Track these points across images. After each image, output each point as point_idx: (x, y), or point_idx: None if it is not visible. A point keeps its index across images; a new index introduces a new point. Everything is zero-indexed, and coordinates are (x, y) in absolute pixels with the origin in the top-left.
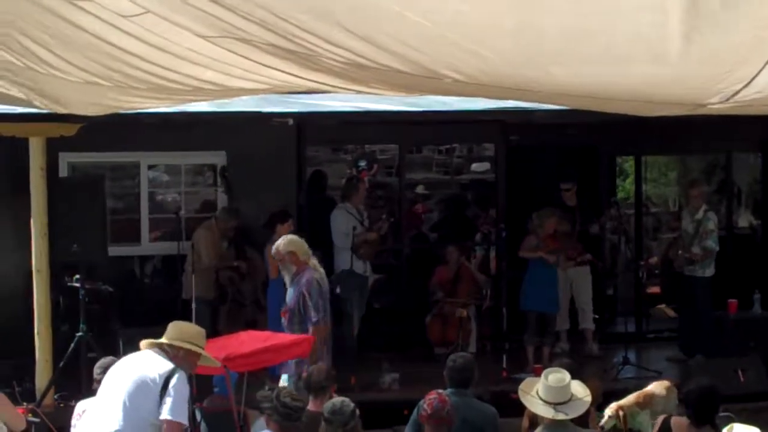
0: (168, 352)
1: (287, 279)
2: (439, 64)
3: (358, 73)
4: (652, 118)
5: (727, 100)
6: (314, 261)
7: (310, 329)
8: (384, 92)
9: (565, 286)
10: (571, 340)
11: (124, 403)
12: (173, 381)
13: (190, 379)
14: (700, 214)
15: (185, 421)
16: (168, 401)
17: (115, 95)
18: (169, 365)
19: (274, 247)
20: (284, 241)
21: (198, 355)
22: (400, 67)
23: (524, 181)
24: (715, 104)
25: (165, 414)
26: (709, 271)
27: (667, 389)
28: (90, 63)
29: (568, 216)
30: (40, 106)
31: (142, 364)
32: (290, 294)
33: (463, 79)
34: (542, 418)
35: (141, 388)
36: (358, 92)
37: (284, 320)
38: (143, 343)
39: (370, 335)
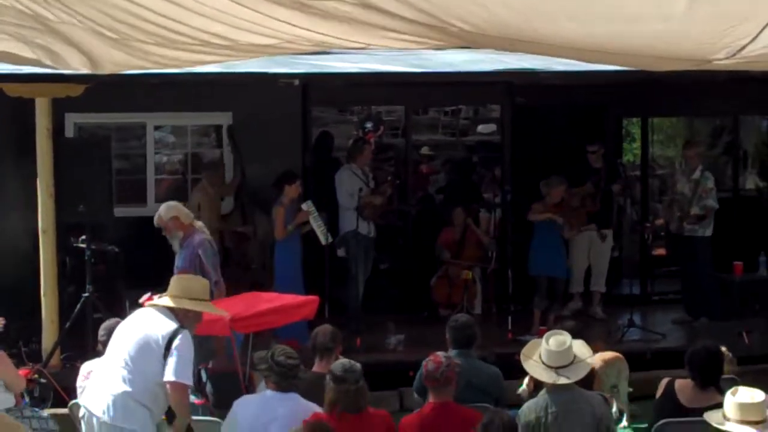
0: (171, 309)
1: (176, 245)
2: (448, 13)
3: (364, 18)
4: (660, 78)
5: (734, 55)
6: (200, 223)
7: (214, 290)
8: (389, 44)
9: (583, 250)
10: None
11: (129, 365)
12: (176, 342)
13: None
14: (697, 174)
15: (189, 382)
16: (171, 362)
17: (122, 49)
18: (172, 325)
19: (156, 217)
20: (164, 209)
21: (200, 314)
22: (407, 14)
23: (530, 143)
24: (722, 60)
25: (169, 375)
26: (709, 231)
27: (606, 362)
28: (96, 13)
29: (594, 177)
30: (48, 64)
31: (146, 324)
32: (181, 258)
33: (470, 29)
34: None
35: (145, 349)
36: (365, 47)
37: None
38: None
39: (375, 297)
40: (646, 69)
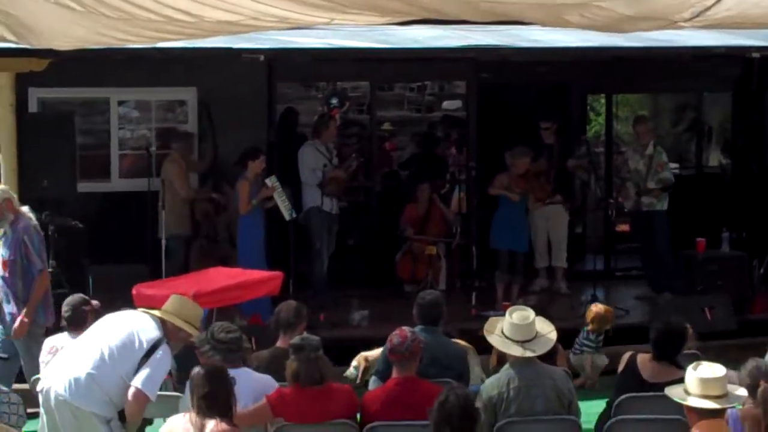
0: (164, 322)
1: (6, 228)
2: None
3: None
4: (624, 56)
5: (698, 15)
6: (25, 208)
7: (36, 278)
8: (355, 18)
9: (540, 223)
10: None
11: (104, 354)
12: (158, 353)
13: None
14: (650, 149)
15: (153, 397)
16: (146, 371)
17: (85, 23)
18: (158, 334)
19: None
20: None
21: (189, 335)
22: None
23: (495, 119)
24: (687, 19)
25: (138, 382)
26: (666, 205)
27: None
28: None
29: (546, 153)
30: (11, 39)
31: (134, 324)
32: (8, 243)
33: None
34: (509, 355)
35: (126, 345)
36: (328, 22)
37: (3, 272)
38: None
39: (339, 272)
40: (610, 31)
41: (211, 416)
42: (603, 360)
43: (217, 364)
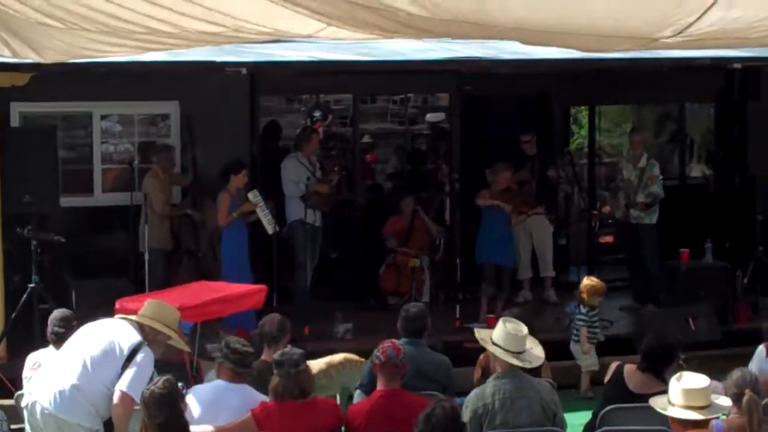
0: (142, 327)
1: None
2: None
3: (314, 7)
4: (607, 67)
5: (680, 33)
6: None
7: None
8: (336, 34)
9: (525, 236)
10: (531, 287)
11: (86, 364)
12: (139, 356)
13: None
14: (642, 162)
15: (137, 399)
16: (129, 373)
17: (67, 39)
18: (137, 338)
19: None
20: None
21: (168, 338)
22: None
23: (479, 131)
24: (669, 38)
25: (122, 385)
26: (655, 218)
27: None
28: (43, 4)
29: (528, 165)
30: None
31: (113, 331)
32: None
33: (419, 13)
34: (499, 366)
35: (107, 353)
36: (309, 36)
37: None
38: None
39: (323, 285)
40: (592, 51)
41: None
42: (593, 361)
43: (167, 385)
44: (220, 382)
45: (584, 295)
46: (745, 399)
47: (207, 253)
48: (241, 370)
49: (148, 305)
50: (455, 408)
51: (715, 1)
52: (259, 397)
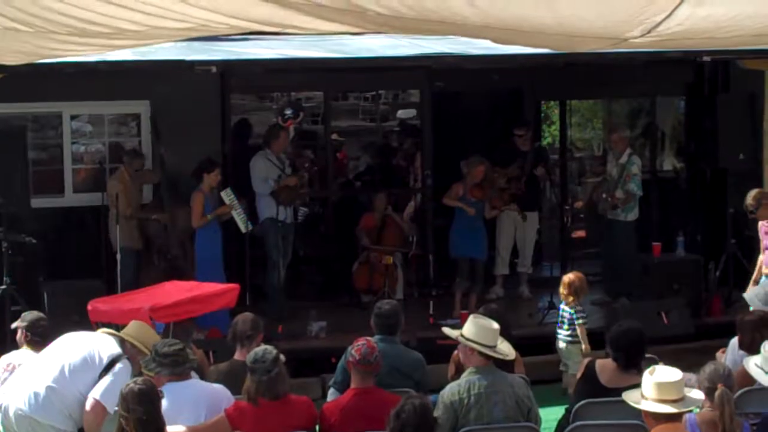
0: (124, 342)
1: None
2: None
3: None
4: (577, 62)
5: (649, 32)
6: None
7: None
8: (302, 30)
9: (508, 229)
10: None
11: (63, 368)
12: (118, 366)
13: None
14: (624, 158)
15: (111, 409)
16: (105, 382)
17: (35, 41)
18: (118, 350)
19: None
20: None
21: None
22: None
23: (451, 127)
24: (637, 37)
25: (97, 393)
26: (632, 215)
27: None
28: (6, 8)
29: (520, 161)
30: None
31: (94, 341)
32: None
33: (387, 12)
34: (473, 361)
35: (86, 360)
36: (280, 31)
37: None
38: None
39: (296, 283)
40: (561, 50)
41: None
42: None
43: (147, 383)
44: (168, 385)
45: (568, 291)
46: (717, 393)
47: (178, 252)
48: (180, 369)
49: (133, 325)
50: (425, 404)
51: None
52: (211, 388)
